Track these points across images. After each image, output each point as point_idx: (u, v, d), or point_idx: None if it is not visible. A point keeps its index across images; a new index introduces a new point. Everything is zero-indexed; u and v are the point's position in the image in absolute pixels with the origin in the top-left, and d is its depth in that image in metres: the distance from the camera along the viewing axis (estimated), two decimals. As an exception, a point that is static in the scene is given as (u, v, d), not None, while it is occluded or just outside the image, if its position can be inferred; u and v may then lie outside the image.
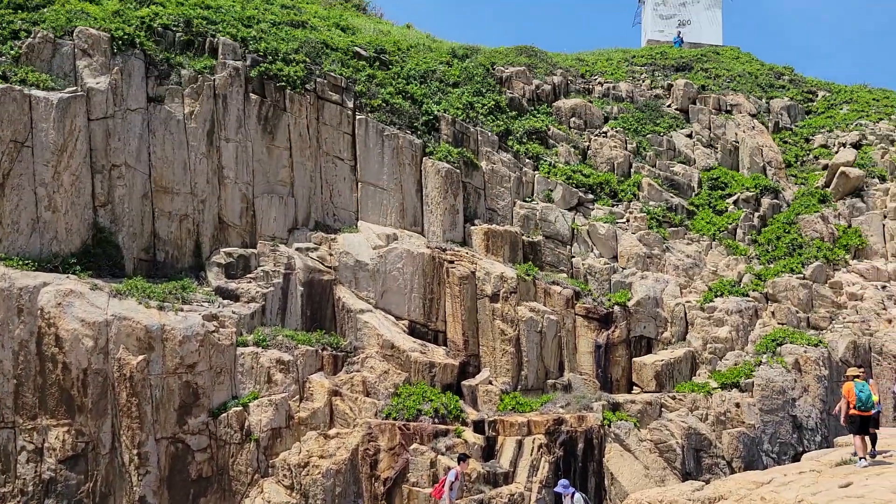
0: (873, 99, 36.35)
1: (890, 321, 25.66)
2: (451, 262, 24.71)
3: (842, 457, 16.23)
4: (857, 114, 34.91)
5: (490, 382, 23.44)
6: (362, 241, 24.67)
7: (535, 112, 30.73)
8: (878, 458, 15.47)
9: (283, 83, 24.63)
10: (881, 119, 34.61)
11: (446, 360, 23.31)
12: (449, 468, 18.17)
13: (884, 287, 27.14)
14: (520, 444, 21.23)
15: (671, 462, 22.09)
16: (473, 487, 19.90)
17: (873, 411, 15.50)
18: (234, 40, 24.72)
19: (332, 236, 24.60)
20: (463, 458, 16.25)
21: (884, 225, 28.93)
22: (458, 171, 26.11)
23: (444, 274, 24.52)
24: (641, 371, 24.61)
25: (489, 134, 28.14)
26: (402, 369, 22.32)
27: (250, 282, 22.71)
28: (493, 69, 31.06)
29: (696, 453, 22.49)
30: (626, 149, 30.66)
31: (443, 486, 15.25)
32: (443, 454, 20.22)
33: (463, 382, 23.22)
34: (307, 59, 25.53)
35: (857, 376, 15.72)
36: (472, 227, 26.21)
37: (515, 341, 23.97)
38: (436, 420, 21.24)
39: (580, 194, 28.50)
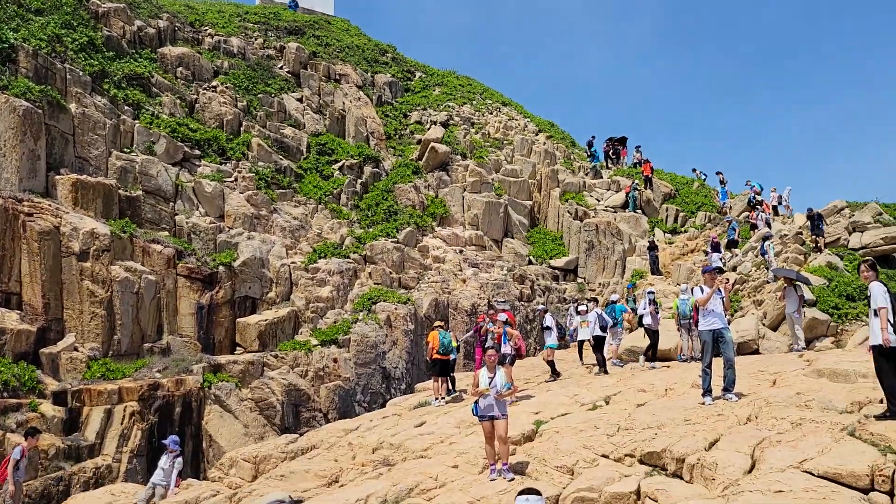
0: (459, 84, 40.99)
1: (464, 281, 29.39)
2: (30, 214, 21.57)
3: (419, 400, 18.10)
4: (447, 96, 39.05)
5: (75, 349, 21.14)
6: None
7: (138, 56, 28.27)
8: (457, 395, 17.62)
9: None
10: (465, 103, 39.21)
11: (20, 325, 20.37)
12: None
13: (461, 251, 30.96)
14: (109, 414, 19.60)
15: (271, 419, 22.45)
16: (51, 465, 17.84)
17: (451, 356, 17.66)
18: None
19: None
20: (31, 434, 14.34)
21: (463, 196, 32.94)
22: (39, 111, 22.78)
23: (20, 228, 21.30)
24: (245, 331, 24.51)
25: (80, 73, 25.08)
26: (-40, 339, 18.92)
27: None
28: (88, 2, 27.70)
29: (295, 408, 23.20)
30: (236, 106, 29.95)
31: (6, 468, 13.27)
32: (13, 431, 17.71)
33: (42, 350, 20.58)
34: None
35: (441, 327, 17.83)
36: (58, 177, 23.20)
37: (107, 303, 21.95)
38: (6, 394, 18.51)
39: (186, 149, 27.09)
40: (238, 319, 24.74)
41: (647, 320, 18.49)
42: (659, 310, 18.90)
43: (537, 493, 5.18)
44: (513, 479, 10.34)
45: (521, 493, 5.22)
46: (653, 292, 19.12)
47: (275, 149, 29.86)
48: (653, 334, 18.55)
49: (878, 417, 9.06)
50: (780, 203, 33.43)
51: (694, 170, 40.75)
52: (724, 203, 35.55)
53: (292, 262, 26.62)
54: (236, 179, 27.62)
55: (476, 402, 10.97)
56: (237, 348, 24.60)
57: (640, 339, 21.79)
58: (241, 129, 29.67)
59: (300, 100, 33.07)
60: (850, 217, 26.92)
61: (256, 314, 25.17)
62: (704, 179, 39.55)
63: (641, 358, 19.07)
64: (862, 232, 25.63)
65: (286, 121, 31.64)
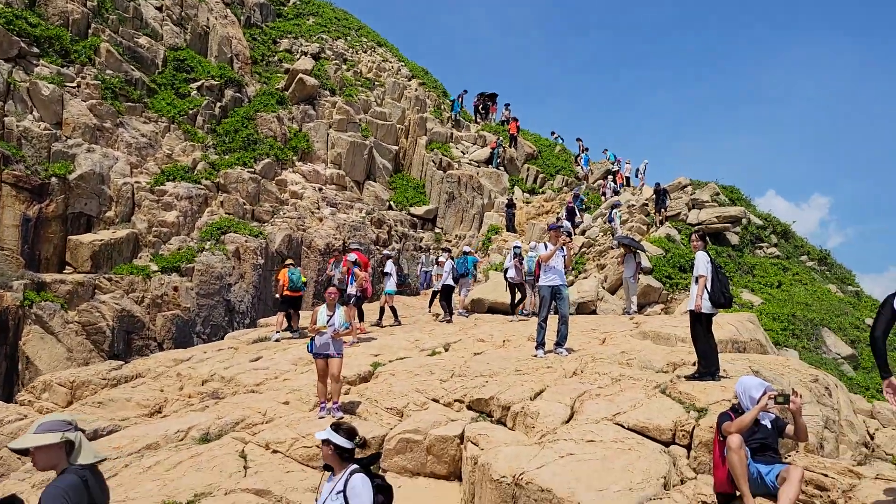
0: (336, 17, 39.57)
1: (321, 220, 28.80)
2: None
3: (259, 335, 17.63)
4: (321, 28, 37.61)
5: None
6: None
7: (-29, -68, 25.02)
8: (298, 333, 17.30)
9: None
10: (339, 38, 37.96)
11: None
12: None
13: (321, 189, 30.25)
14: None
15: (99, 345, 21.16)
16: None
17: (301, 292, 17.44)
18: None
19: None
20: None
21: (328, 133, 32.08)
22: None
23: None
24: (77, 250, 22.79)
25: None
26: None
27: None
28: None
29: (126, 335, 21.98)
30: (84, 5, 27.33)
31: None
32: None
33: None
34: None
35: (291, 264, 17.48)
36: None
37: (-86, 206, 19.66)
38: None
39: (23, 45, 24.43)
40: (70, 237, 22.93)
41: (511, 273, 18.91)
42: (523, 263, 19.35)
43: (339, 427, 5.24)
44: (341, 418, 10.26)
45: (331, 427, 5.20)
46: (518, 247, 19.51)
47: (126, 58, 27.61)
48: (518, 287, 19.09)
49: (688, 377, 9.68)
50: (636, 175, 35.07)
51: (552, 133, 41.96)
52: (586, 169, 36.89)
53: (136, 182, 24.92)
54: (79, 86, 25.33)
55: (312, 339, 10.74)
56: (66, 268, 22.86)
57: (488, 291, 22.31)
58: (90, 31, 27.14)
59: (159, 8, 30.68)
60: (691, 194, 28.64)
61: (91, 233, 23.43)
62: (562, 143, 40.96)
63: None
64: (700, 209, 27.36)
65: (142, 29, 29.29)
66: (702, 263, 9.51)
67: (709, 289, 9.35)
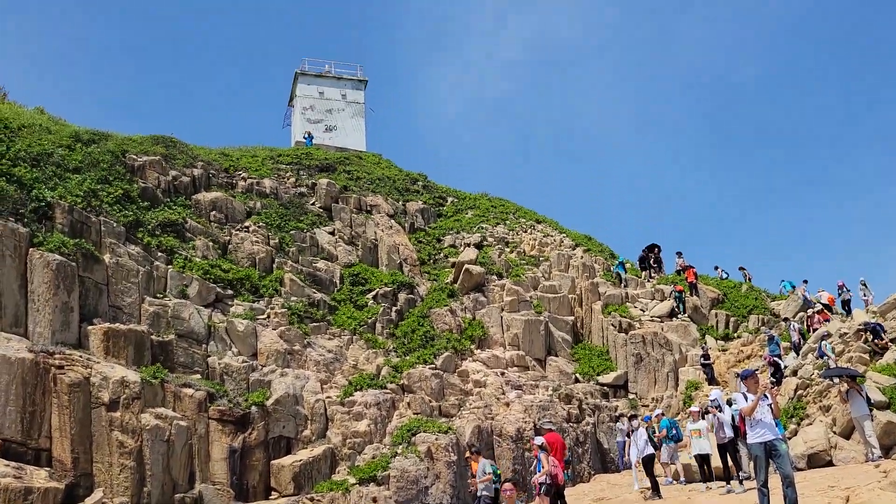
0: (492, 206, 41.11)
1: (508, 404, 28.05)
2: (61, 367, 21.52)
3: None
4: (480, 218, 39.10)
5: (103, 505, 20.38)
6: (-60, 346, 20.39)
7: (172, 204, 29.07)
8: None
9: None
10: (498, 223, 39.16)
11: (49, 483, 19.81)
12: None
13: (503, 374, 29.79)
14: (134, 574, 18.52)
15: (308, 569, 20.98)
16: None
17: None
18: None
19: None
20: None
21: (501, 317, 32.13)
22: (73, 264, 23.22)
23: (51, 382, 21.21)
24: (279, 474, 23.46)
25: (114, 224, 25.75)
26: (-15, 501, 18.38)
27: None
28: (125, 157, 28.89)
29: (333, 556, 21.72)
30: (268, 244, 30.29)
31: None
32: None
33: (69, 508, 19.87)
34: None
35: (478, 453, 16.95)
36: (90, 328, 23.30)
37: (137, 454, 21.34)
38: (28, 558, 17.69)
39: (218, 290, 27.19)
40: (272, 461, 23.77)
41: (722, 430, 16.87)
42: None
43: None
44: None
45: None
46: (716, 398, 17.59)
47: (308, 283, 29.84)
48: (728, 445, 16.87)
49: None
50: (862, 296, 31.17)
51: (716, 267, 39.57)
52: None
53: (327, 397, 25.84)
54: (269, 316, 27.45)
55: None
56: (272, 493, 23.49)
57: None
58: (274, 265, 29.85)
59: (332, 233, 33.39)
60: (914, 309, 25.14)
61: (291, 454, 24.19)
62: (727, 277, 38.78)
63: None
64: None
65: (318, 254, 31.82)
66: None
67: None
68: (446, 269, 34.82)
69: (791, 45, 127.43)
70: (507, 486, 10.09)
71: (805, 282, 33.86)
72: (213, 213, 30.17)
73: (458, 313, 31.58)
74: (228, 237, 29.77)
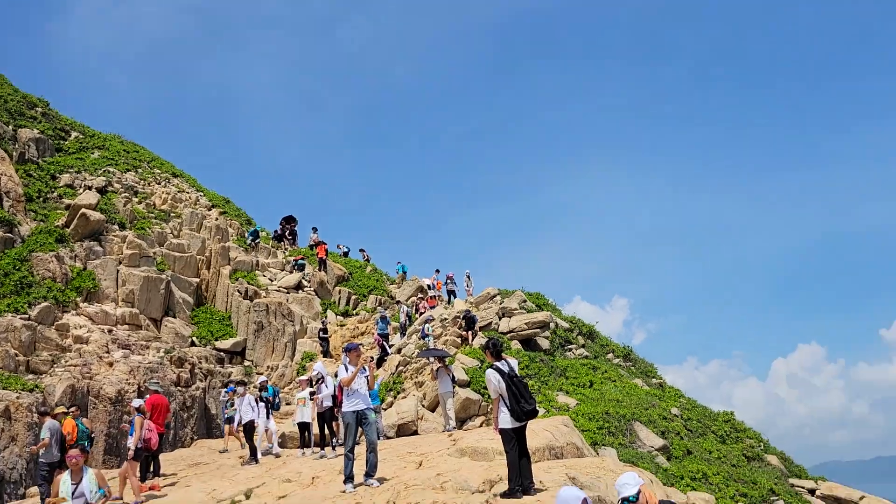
0: (124, 150, 37.68)
1: (111, 364, 25.94)
2: None
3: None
4: (107, 161, 35.53)
5: None
6: None
7: None
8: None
9: None
10: (129, 170, 36.02)
11: None
12: None
13: (110, 331, 27.44)
14: None
15: None
16: None
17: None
18: None
19: None
20: None
21: (118, 270, 29.58)
22: None
23: None
24: None
25: None
26: None
27: None
28: None
29: None
30: None
31: None
32: None
33: None
34: None
35: (67, 413, 16.08)
36: None
37: None
38: None
39: None
40: None
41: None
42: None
43: None
44: None
45: None
46: (318, 370, 18.28)
47: None
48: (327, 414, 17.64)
49: (502, 496, 9.03)
50: (465, 286, 34.71)
51: (338, 245, 42.07)
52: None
53: None
54: None
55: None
56: None
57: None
58: None
59: (-89, 146, 27.49)
60: (500, 303, 29.14)
61: None
62: (347, 252, 41.99)
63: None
64: (510, 317, 27.79)
65: None
66: (491, 384, 9.13)
67: (507, 405, 8.91)
68: (59, 211, 30.96)
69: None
70: (74, 452, 9.19)
71: (437, 271, 37.11)
72: None
73: (66, 261, 28.29)
74: None
